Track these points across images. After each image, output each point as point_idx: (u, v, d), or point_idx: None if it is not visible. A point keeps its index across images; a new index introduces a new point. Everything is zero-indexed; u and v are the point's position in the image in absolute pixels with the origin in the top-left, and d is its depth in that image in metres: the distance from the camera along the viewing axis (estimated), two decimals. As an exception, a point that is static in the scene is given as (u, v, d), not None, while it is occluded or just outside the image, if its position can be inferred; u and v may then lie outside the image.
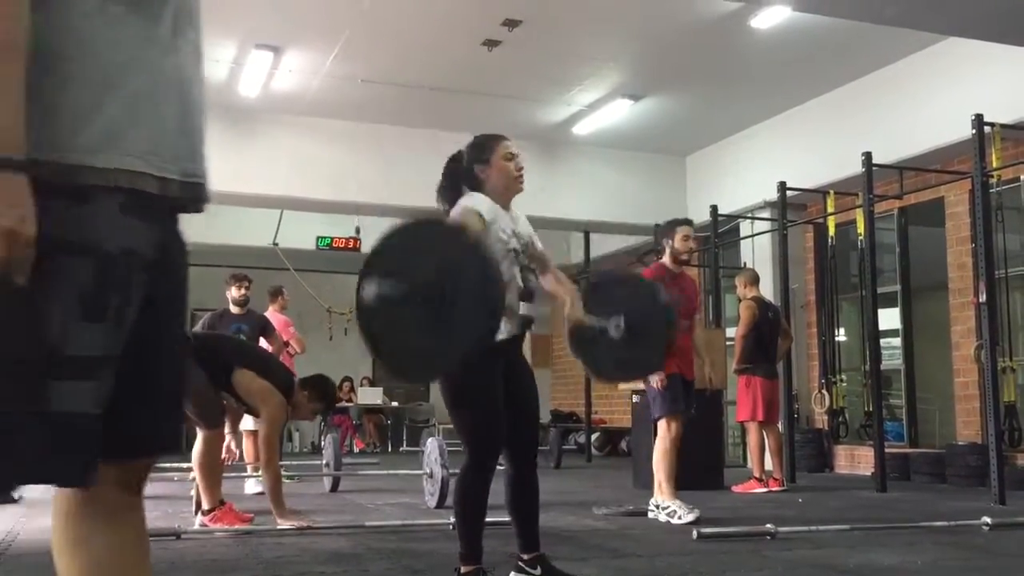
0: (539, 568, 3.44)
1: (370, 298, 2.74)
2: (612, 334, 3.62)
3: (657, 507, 5.63)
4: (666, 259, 5.69)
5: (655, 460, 5.74)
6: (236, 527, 4.95)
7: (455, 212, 3.37)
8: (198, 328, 6.90)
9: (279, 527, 4.93)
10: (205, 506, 5.01)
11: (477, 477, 3.28)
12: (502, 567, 3.46)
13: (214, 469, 5.06)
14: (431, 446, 6.32)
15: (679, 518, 5.42)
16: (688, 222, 5.95)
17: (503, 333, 3.31)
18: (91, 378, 1.35)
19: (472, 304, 2.80)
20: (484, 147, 3.50)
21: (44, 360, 1.32)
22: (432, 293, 2.76)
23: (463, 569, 3.25)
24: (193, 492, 5.46)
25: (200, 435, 5.02)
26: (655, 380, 5.50)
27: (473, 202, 3.36)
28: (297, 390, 5.19)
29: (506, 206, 3.49)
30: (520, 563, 3.46)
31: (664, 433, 5.69)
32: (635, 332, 3.65)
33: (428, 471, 6.26)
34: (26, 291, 1.28)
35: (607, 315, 3.64)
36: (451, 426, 3.41)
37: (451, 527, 3.42)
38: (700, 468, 7.67)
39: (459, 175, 3.53)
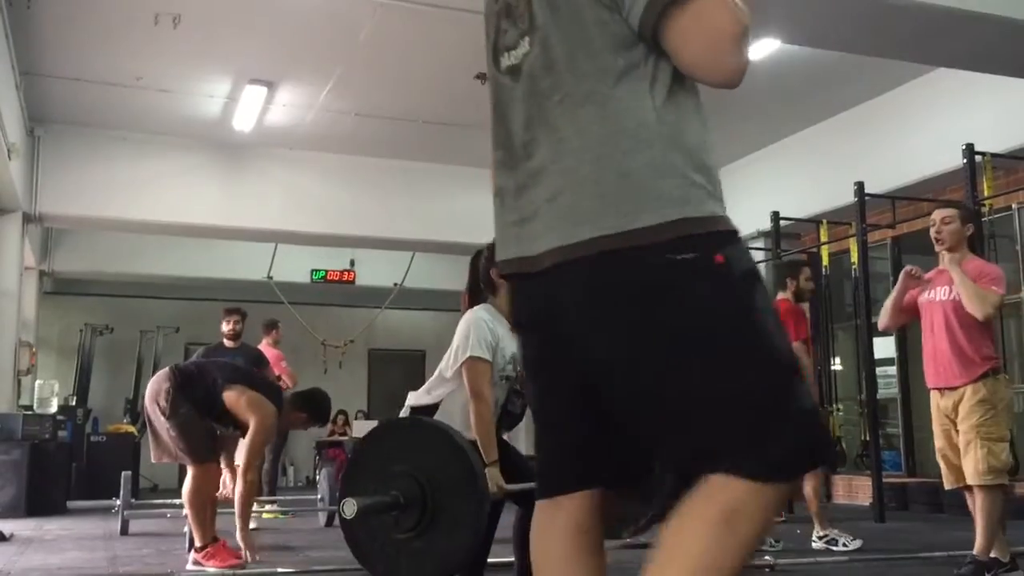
0: None
1: (350, 515, 2.71)
2: None
3: (819, 538, 5.65)
4: (788, 296, 5.88)
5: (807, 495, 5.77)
6: (230, 565, 4.88)
7: (460, 337, 3.40)
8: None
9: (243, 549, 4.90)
10: (197, 543, 4.94)
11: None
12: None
13: (205, 505, 4.99)
14: None
15: (843, 545, 5.50)
16: (808, 263, 6.51)
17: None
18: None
19: (455, 520, 2.77)
20: None
21: (792, 366, 1.51)
22: (414, 505, 2.75)
23: None
24: (186, 529, 5.39)
25: (190, 471, 4.95)
26: None
27: (479, 336, 3.36)
28: (286, 401, 5.18)
29: None
30: None
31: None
32: None
33: None
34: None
35: None
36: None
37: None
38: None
39: (478, 274, 3.57)
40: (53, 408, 10.63)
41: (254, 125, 10.09)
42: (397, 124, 10.12)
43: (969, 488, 4.35)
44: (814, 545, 5.62)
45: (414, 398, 3.58)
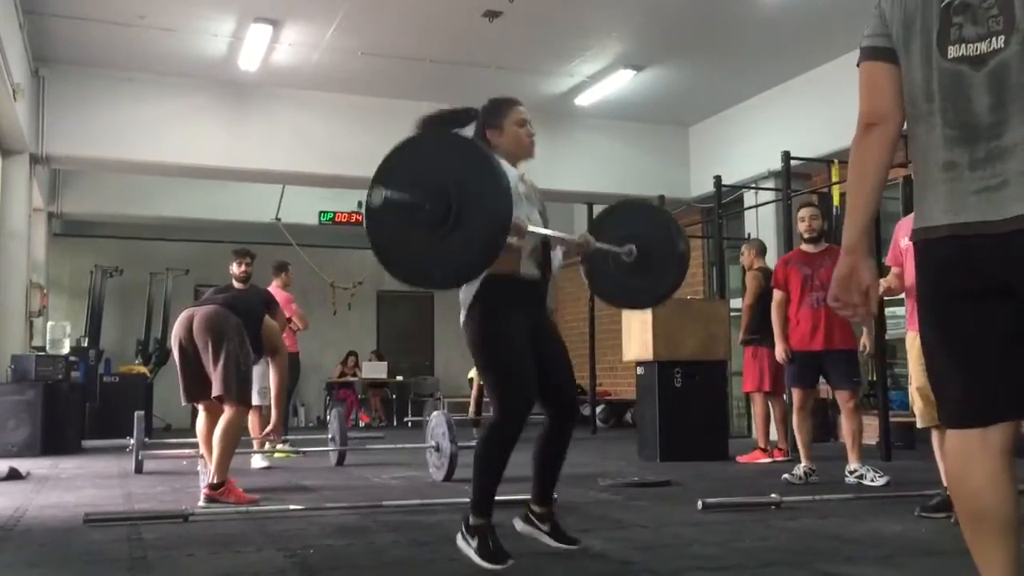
0: (548, 525, 3.45)
1: (377, 204, 2.80)
2: (624, 259, 3.67)
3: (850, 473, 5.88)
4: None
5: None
6: (247, 502, 4.96)
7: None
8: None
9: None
10: (215, 479, 5.01)
11: (504, 435, 3.22)
12: (507, 540, 3.47)
13: (234, 444, 5.11)
14: (436, 419, 6.33)
15: (798, 479, 5.85)
16: (806, 204, 6.71)
17: (534, 271, 3.30)
18: None
19: (479, 217, 2.83)
20: (497, 111, 3.45)
21: None
22: (439, 203, 2.80)
23: (472, 520, 3.21)
24: (200, 468, 5.47)
25: (230, 409, 5.04)
26: (779, 355, 6.17)
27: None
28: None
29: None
30: (529, 514, 3.48)
31: (793, 402, 6.25)
32: (647, 259, 3.68)
33: (434, 444, 6.27)
34: None
35: (620, 241, 3.68)
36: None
37: (467, 493, 3.41)
38: (705, 438, 7.70)
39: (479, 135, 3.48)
40: (65, 349, 10.74)
41: (260, 64, 10.00)
42: (404, 63, 10.02)
43: (937, 429, 4.42)
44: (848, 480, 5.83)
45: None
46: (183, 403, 5.33)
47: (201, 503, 4.92)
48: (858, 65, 2.17)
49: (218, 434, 5.03)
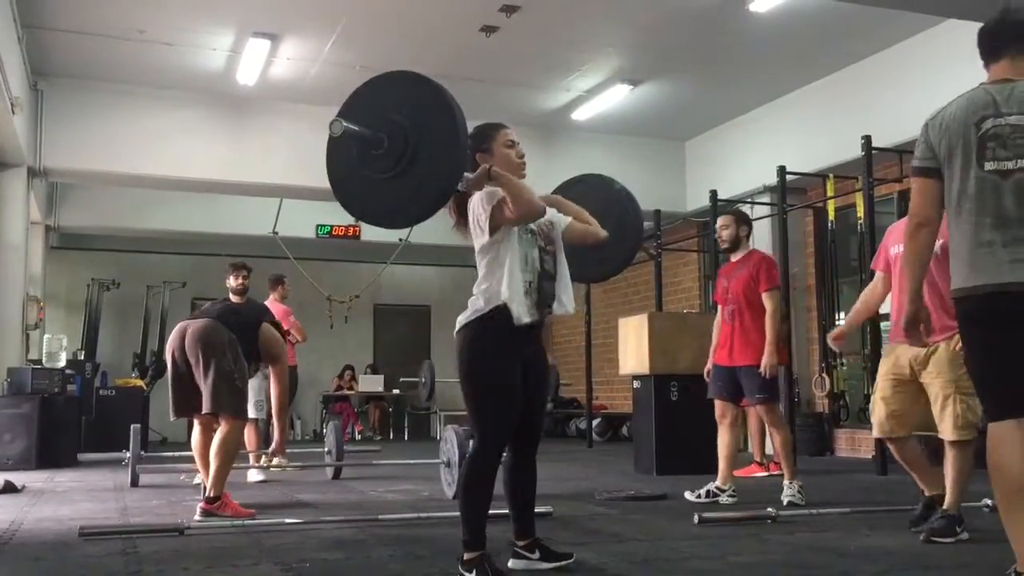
0: (537, 552, 3.45)
1: (337, 134, 2.90)
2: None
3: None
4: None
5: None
6: (244, 516, 4.95)
7: (481, 199, 3.28)
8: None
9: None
10: (211, 494, 4.99)
11: (487, 463, 3.26)
12: (503, 554, 3.47)
13: (232, 458, 5.09)
14: (448, 435, 6.13)
15: (698, 496, 5.71)
16: (721, 214, 6.37)
17: (526, 317, 3.28)
18: None
19: (434, 160, 2.93)
20: (485, 136, 3.46)
21: None
22: (395, 151, 2.87)
23: (466, 556, 3.24)
24: (197, 481, 5.46)
25: (226, 423, 5.03)
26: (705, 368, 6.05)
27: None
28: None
29: None
30: (516, 549, 3.47)
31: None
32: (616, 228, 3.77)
33: (445, 460, 6.11)
34: None
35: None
36: (452, 412, 3.39)
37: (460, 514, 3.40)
38: (701, 452, 7.68)
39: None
40: (62, 362, 10.70)
41: (258, 78, 10.04)
42: (401, 78, 10.04)
43: (893, 440, 4.42)
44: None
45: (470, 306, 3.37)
46: (172, 418, 5.29)
47: (197, 517, 4.91)
48: (911, 177, 3.08)
49: (215, 448, 5.02)
